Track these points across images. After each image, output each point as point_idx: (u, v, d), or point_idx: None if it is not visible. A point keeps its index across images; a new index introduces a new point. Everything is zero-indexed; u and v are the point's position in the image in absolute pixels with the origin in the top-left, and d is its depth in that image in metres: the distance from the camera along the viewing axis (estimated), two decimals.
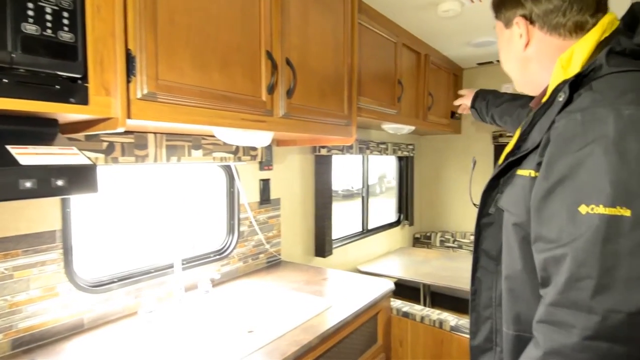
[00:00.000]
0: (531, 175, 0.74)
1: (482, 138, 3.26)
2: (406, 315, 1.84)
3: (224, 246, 1.81)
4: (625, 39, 0.69)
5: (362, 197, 2.97)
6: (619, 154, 0.61)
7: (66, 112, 0.83)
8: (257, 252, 1.95)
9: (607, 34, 0.75)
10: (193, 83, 1.08)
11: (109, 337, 1.23)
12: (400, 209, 3.35)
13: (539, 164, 0.71)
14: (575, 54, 0.75)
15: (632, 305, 0.58)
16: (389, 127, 2.42)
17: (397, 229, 3.27)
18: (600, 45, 0.74)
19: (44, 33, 0.78)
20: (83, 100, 0.85)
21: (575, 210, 0.63)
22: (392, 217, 3.37)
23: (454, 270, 2.50)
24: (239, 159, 1.75)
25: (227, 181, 1.82)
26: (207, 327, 1.39)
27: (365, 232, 2.94)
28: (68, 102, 0.83)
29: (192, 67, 1.08)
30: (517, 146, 0.81)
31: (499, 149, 3.11)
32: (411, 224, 3.37)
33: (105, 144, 1.27)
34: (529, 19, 0.82)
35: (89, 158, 0.91)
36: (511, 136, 0.94)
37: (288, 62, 1.39)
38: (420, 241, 3.48)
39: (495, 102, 1.49)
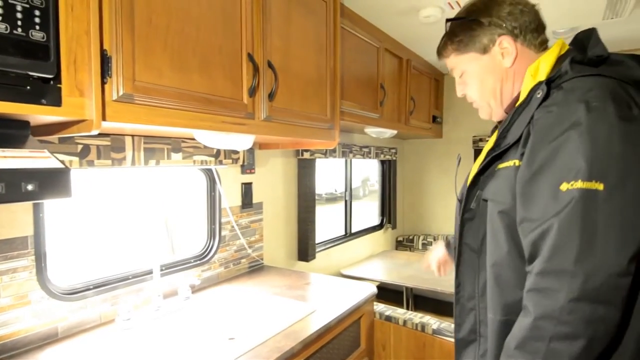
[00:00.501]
0: (515, 165, 0.82)
1: (463, 142, 3.30)
2: (389, 319, 1.84)
3: (205, 251, 1.78)
4: (579, 54, 0.83)
5: (346, 201, 2.97)
6: (591, 137, 0.71)
7: (38, 114, 0.80)
8: (239, 257, 1.92)
9: (562, 52, 0.90)
10: (172, 85, 1.06)
11: (84, 347, 1.19)
12: (383, 212, 3.36)
13: (522, 154, 0.79)
14: (541, 64, 0.89)
15: (610, 268, 0.66)
16: (372, 130, 2.43)
17: (380, 233, 3.28)
18: (559, 60, 0.88)
19: (14, 32, 0.75)
20: (55, 101, 0.82)
21: (557, 189, 0.72)
22: (375, 220, 3.38)
23: None
24: (220, 163, 1.72)
25: (208, 185, 1.80)
26: (187, 334, 1.36)
27: (349, 235, 2.94)
28: (39, 103, 0.79)
29: (171, 68, 1.06)
30: (497, 144, 0.88)
31: (478, 152, 3.15)
32: (394, 227, 3.39)
33: (80, 147, 1.23)
34: (512, 35, 0.92)
35: (62, 162, 0.87)
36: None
37: (270, 65, 1.37)
38: (403, 244, 3.50)
39: None
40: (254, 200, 2.00)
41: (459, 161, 1.15)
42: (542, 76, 0.86)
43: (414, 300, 2.86)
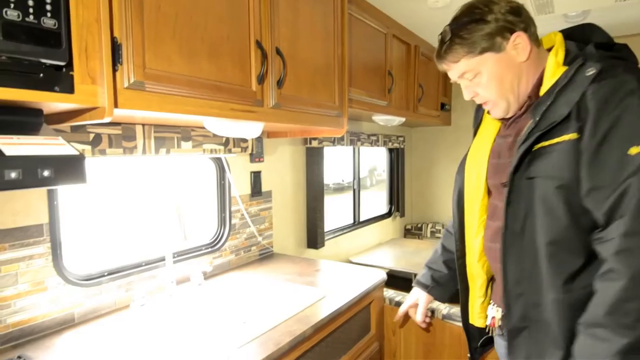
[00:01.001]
0: (572, 139, 0.85)
1: (472, 129, 3.27)
2: (399, 304, 1.85)
3: (216, 239, 1.80)
4: (581, 43, 0.95)
5: (354, 189, 2.98)
6: None
7: (51, 101, 0.81)
8: (249, 245, 1.94)
9: (563, 41, 0.98)
10: (181, 72, 1.07)
11: (100, 331, 1.22)
12: (391, 201, 3.36)
13: (580, 128, 0.84)
14: (559, 50, 0.96)
15: None
16: (380, 118, 2.42)
17: (388, 221, 3.29)
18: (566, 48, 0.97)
19: (26, 19, 0.76)
20: (68, 88, 0.83)
21: (626, 154, 0.78)
22: (383, 209, 3.38)
23: None
24: (229, 151, 1.73)
25: (217, 173, 1.81)
26: (200, 319, 1.39)
27: (357, 224, 2.95)
28: (53, 90, 0.80)
29: (181, 56, 1.06)
30: (537, 125, 0.90)
31: None
32: (402, 215, 3.39)
33: (91, 136, 1.25)
34: (522, 30, 0.96)
35: (76, 149, 0.89)
36: None
37: (278, 52, 1.37)
38: (412, 232, 3.50)
39: (438, 264, 1.41)
40: (263, 189, 2.01)
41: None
42: (561, 61, 0.94)
43: None
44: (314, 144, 2.23)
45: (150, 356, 1.06)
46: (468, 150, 1.26)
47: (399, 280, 2.83)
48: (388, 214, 3.32)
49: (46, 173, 0.78)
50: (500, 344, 1.18)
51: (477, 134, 1.26)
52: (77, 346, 1.13)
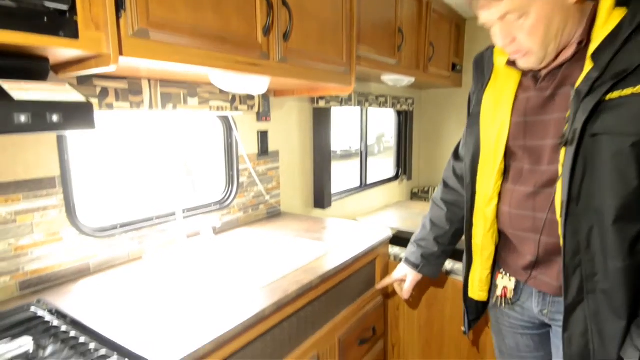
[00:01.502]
0: None
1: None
2: None
3: (224, 196, 1.83)
4: None
5: (361, 152, 2.97)
6: None
7: (57, 46, 0.81)
8: (257, 203, 1.97)
9: None
10: (186, 21, 1.05)
11: (117, 279, 1.27)
12: (398, 164, 3.35)
13: None
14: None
15: None
16: (389, 78, 2.37)
17: (395, 184, 3.29)
18: None
19: None
20: (73, 34, 0.82)
21: None
22: (390, 174, 3.38)
23: None
24: (236, 109, 1.73)
25: (224, 132, 1.81)
26: (211, 270, 1.43)
27: (364, 186, 2.96)
28: (57, 35, 0.80)
29: (185, 5, 1.04)
30: (602, 74, 0.82)
31: None
32: (409, 178, 3.39)
33: (98, 89, 1.25)
34: None
35: (84, 96, 0.89)
36: None
37: (284, 3, 1.34)
38: (418, 196, 3.51)
39: (430, 241, 1.41)
40: (270, 149, 2.01)
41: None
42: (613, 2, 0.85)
43: None
44: (322, 103, 2.21)
45: (166, 299, 1.11)
46: (478, 109, 1.13)
47: (405, 242, 2.86)
48: (395, 177, 3.32)
49: (55, 118, 0.78)
50: (507, 315, 1.15)
51: (488, 89, 1.12)
52: (95, 292, 1.18)
